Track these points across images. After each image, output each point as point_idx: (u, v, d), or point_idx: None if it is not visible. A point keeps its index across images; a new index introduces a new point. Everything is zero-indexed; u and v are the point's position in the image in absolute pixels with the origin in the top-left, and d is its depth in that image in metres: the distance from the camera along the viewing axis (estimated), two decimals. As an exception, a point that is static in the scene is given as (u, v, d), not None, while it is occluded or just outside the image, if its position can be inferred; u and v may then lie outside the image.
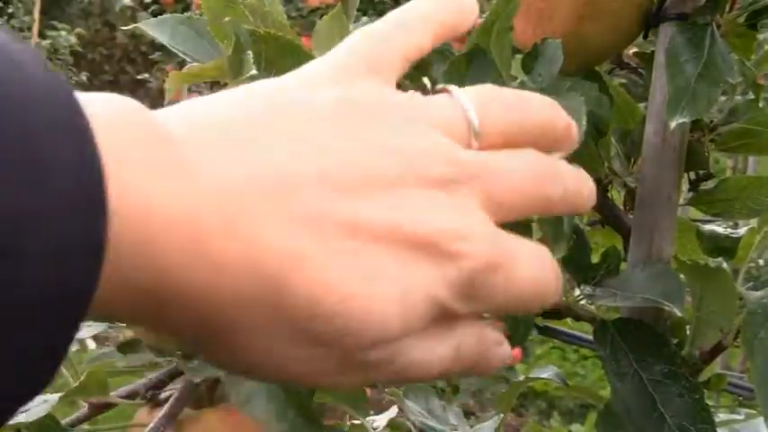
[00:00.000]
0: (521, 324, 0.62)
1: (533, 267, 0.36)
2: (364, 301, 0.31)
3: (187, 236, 0.29)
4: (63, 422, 0.63)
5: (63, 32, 5.62)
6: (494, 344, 0.37)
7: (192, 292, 0.29)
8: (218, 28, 0.57)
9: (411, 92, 0.37)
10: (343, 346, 0.31)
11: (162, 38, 0.63)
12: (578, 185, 0.40)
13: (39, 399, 0.63)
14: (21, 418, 0.60)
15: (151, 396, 0.63)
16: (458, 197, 0.34)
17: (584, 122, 0.56)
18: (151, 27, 0.63)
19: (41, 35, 5.63)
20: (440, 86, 0.38)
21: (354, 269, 0.31)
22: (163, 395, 0.61)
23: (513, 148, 0.37)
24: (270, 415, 0.49)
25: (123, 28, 0.68)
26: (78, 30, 5.79)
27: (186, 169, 0.29)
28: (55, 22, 5.89)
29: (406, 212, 0.32)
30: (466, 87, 0.37)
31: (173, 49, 0.62)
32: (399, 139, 0.34)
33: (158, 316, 0.30)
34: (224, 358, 0.33)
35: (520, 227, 0.67)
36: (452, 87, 0.37)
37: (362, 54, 0.37)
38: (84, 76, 5.96)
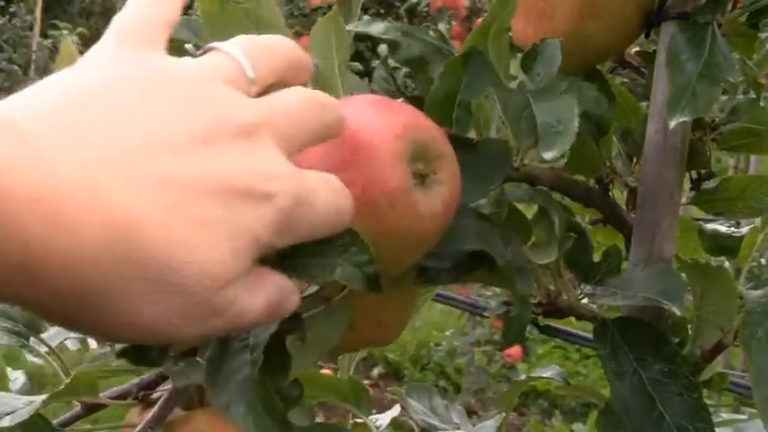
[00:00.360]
0: (514, 323, 0.62)
1: (330, 195, 0.43)
2: (206, 248, 0.36)
3: (45, 209, 0.33)
4: (54, 422, 0.63)
5: (65, 32, 5.62)
6: (290, 293, 0.43)
7: (55, 261, 0.33)
8: (214, 31, 0.57)
9: (186, 57, 0.41)
10: (197, 292, 0.36)
11: None
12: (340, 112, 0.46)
13: (25, 399, 0.63)
14: (6, 421, 0.60)
15: (143, 396, 0.63)
16: (260, 142, 0.39)
17: (576, 124, 0.56)
18: None
19: (43, 34, 5.63)
20: (207, 46, 0.43)
21: (192, 222, 0.36)
22: (154, 395, 0.62)
23: (282, 88, 0.43)
24: (248, 422, 0.49)
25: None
26: (80, 29, 5.79)
27: (37, 151, 0.33)
28: (57, 22, 5.90)
29: (222, 164, 0.37)
30: (229, 41, 0.43)
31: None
32: (200, 99, 0.38)
33: (29, 291, 0.34)
34: (91, 323, 0.36)
35: (517, 230, 0.68)
36: (221, 45, 0.42)
37: (134, 31, 0.41)
38: (85, 76, 5.96)
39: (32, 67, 5.57)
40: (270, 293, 0.41)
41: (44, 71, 5.51)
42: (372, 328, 0.66)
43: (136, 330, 0.37)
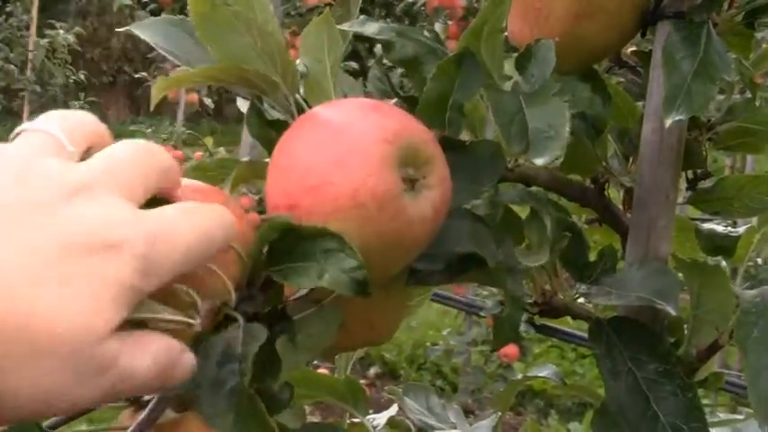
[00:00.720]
0: (505, 323, 0.62)
1: (190, 225, 0.43)
2: (70, 304, 0.38)
3: None
4: (44, 424, 0.63)
5: (61, 31, 5.61)
6: (181, 351, 0.44)
7: None
8: (206, 33, 0.57)
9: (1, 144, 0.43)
10: (72, 350, 0.38)
11: (154, 40, 0.62)
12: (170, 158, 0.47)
13: None
14: None
15: (134, 398, 0.62)
16: (96, 196, 0.40)
17: (568, 129, 0.57)
18: (143, 29, 0.62)
19: (40, 34, 5.62)
20: (18, 129, 0.44)
21: (48, 284, 0.37)
22: (146, 397, 0.61)
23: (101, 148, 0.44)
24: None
25: (117, 30, 0.67)
26: (77, 29, 5.78)
27: None
28: (53, 21, 5.89)
29: (64, 225, 0.39)
30: (41, 118, 0.45)
31: (164, 53, 0.62)
32: (28, 173, 0.40)
33: None
34: None
35: (512, 231, 0.68)
36: (33, 124, 0.44)
37: None
38: (82, 75, 5.96)
39: (29, 66, 5.56)
40: (157, 354, 0.42)
41: (40, 70, 5.51)
42: (364, 329, 0.66)
43: (15, 410, 0.38)
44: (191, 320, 0.47)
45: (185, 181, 0.58)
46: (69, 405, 0.39)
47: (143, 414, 0.58)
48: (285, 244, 0.53)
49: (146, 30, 0.62)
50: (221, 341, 0.50)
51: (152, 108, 0.62)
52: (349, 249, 0.51)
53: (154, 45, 0.61)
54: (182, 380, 0.44)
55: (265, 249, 0.54)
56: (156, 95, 0.58)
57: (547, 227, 0.67)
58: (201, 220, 0.44)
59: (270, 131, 0.61)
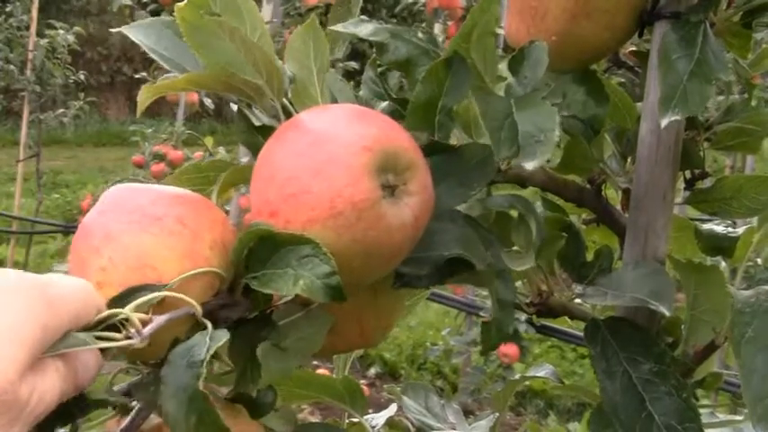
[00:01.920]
0: (492, 328, 0.62)
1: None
2: None
3: None
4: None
5: (61, 31, 5.60)
6: (77, 356, 0.49)
7: None
8: (194, 40, 0.57)
9: None
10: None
11: (147, 43, 0.61)
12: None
13: None
14: None
15: (121, 405, 0.62)
16: None
17: (557, 133, 0.57)
18: (136, 31, 0.62)
19: (39, 34, 5.62)
20: None
21: None
22: (133, 403, 0.61)
23: None
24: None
25: (111, 30, 0.67)
26: (76, 28, 5.77)
27: None
28: (53, 21, 5.88)
29: None
30: None
31: (156, 57, 0.61)
32: None
33: None
34: None
35: (504, 233, 0.68)
36: None
37: None
38: (81, 75, 5.95)
39: (29, 66, 5.56)
40: (59, 370, 0.48)
41: (40, 70, 5.50)
42: (354, 332, 0.66)
43: None
44: (129, 342, 0.50)
45: (173, 189, 0.58)
46: None
47: (127, 420, 0.58)
48: (263, 251, 0.54)
49: (139, 32, 0.62)
50: (186, 348, 0.51)
51: (138, 115, 0.62)
52: (323, 255, 0.51)
53: (146, 49, 0.61)
54: (92, 378, 0.50)
55: (244, 256, 0.55)
56: (142, 102, 0.58)
57: (533, 232, 0.67)
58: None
59: (257, 137, 0.61)
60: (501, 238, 0.67)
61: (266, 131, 0.60)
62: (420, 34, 0.71)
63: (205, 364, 0.49)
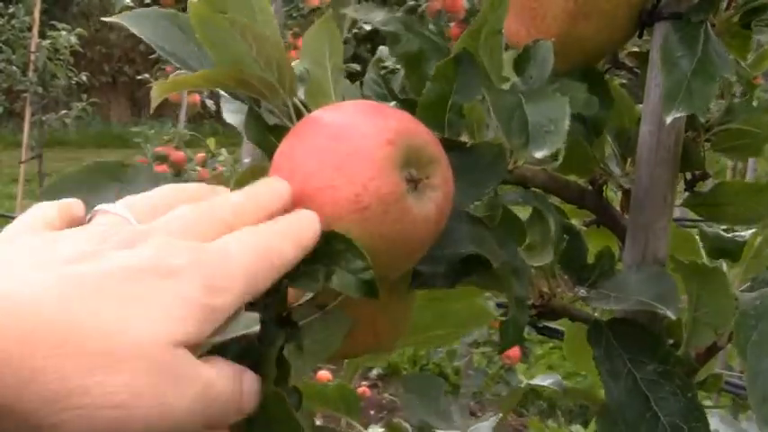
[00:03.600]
0: (510, 326, 0.62)
1: (246, 241, 0.45)
2: (140, 318, 0.41)
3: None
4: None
5: (63, 33, 5.61)
6: (239, 373, 0.46)
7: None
8: (206, 36, 0.56)
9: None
10: (147, 353, 0.40)
11: (143, 34, 0.60)
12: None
13: None
14: None
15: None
16: (152, 239, 0.43)
17: (567, 123, 0.56)
18: (131, 21, 0.60)
19: (42, 35, 5.62)
20: (95, 209, 0.48)
21: (121, 303, 0.40)
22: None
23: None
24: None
25: (102, 18, 0.66)
26: (79, 30, 5.78)
27: None
28: (55, 23, 5.89)
29: (127, 260, 0.42)
30: (119, 202, 0.49)
31: (154, 47, 0.60)
32: (100, 239, 0.44)
33: None
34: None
35: (511, 232, 0.67)
36: (107, 206, 0.48)
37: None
38: (83, 76, 5.95)
39: (31, 67, 5.56)
40: (236, 376, 0.45)
41: (42, 72, 5.51)
42: (369, 335, 0.66)
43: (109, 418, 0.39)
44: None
45: (191, 186, 0.58)
46: (159, 414, 0.40)
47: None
48: None
49: (135, 22, 0.61)
50: (236, 345, 0.50)
51: (152, 111, 0.62)
52: (356, 250, 0.50)
53: (144, 38, 0.60)
54: (249, 409, 0.46)
55: None
56: (155, 98, 0.57)
57: (551, 227, 0.67)
58: (259, 240, 0.46)
59: (269, 136, 0.61)
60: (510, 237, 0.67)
61: (278, 131, 0.59)
62: (431, 26, 0.71)
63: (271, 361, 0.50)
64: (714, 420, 0.86)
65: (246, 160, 3.25)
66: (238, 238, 0.46)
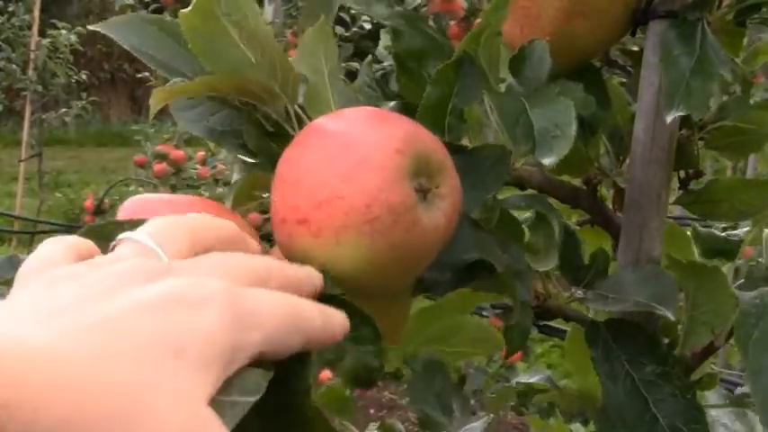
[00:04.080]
0: (516, 330, 0.61)
1: (280, 296, 0.42)
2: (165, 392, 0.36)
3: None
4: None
5: (63, 31, 5.60)
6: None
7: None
8: (198, 46, 0.55)
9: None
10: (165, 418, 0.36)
11: (128, 42, 0.59)
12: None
13: None
14: None
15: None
16: (176, 275, 0.40)
17: (575, 128, 0.56)
18: (115, 30, 0.59)
19: (42, 34, 5.62)
20: (119, 238, 0.45)
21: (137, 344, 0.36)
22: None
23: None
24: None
25: (90, 27, 0.63)
26: (79, 28, 5.77)
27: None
28: (55, 21, 5.88)
29: (146, 294, 0.38)
30: (142, 228, 0.45)
31: (140, 57, 0.59)
32: (123, 273, 0.40)
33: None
34: None
35: (510, 235, 0.67)
36: (132, 234, 0.44)
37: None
38: (83, 75, 5.95)
39: (31, 66, 5.56)
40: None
41: (42, 70, 5.50)
42: None
43: None
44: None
45: (186, 199, 0.57)
46: None
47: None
48: None
49: (118, 30, 0.59)
50: None
51: (150, 118, 0.61)
52: (374, 335, 0.51)
53: (129, 48, 0.58)
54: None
55: None
56: (154, 106, 0.57)
57: (555, 231, 0.67)
58: (292, 300, 0.43)
59: (269, 142, 0.60)
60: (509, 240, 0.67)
61: (279, 137, 0.59)
62: (432, 23, 0.70)
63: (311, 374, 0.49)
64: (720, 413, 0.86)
65: (236, 176, 3.27)
66: (272, 293, 0.42)
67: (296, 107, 0.59)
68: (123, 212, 0.56)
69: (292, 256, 0.54)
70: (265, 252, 0.55)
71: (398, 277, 0.56)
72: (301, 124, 0.59)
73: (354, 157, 0.52)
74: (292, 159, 0.55)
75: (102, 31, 0.59)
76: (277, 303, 0.42)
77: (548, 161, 0.55)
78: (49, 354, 0.34)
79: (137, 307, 0.37)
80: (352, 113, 0.57)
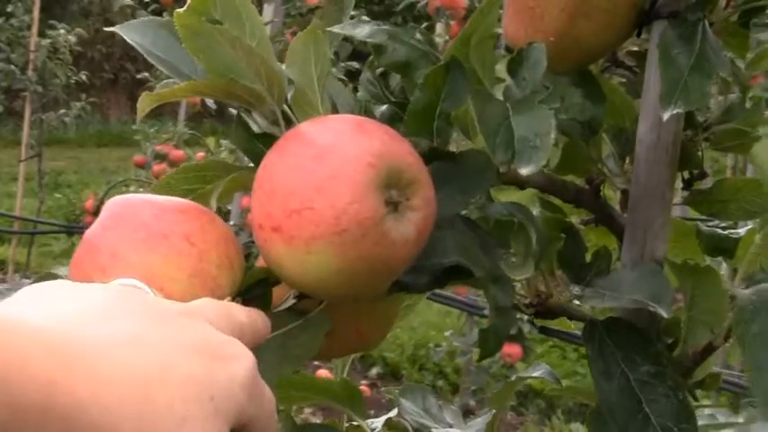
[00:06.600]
0: (490, 335, 0.62)
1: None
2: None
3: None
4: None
5: (63, 32, 5.60)
6: None
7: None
8: (193, 45, 0.56)
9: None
10: None
11: (142, 43, 0.60)
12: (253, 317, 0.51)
13: None
14: None
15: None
16: (200, 320, 0.44)
17: (553, 137, 0.56)
18: (131, 31, 0.60)
19: (41, 34, 5.62)
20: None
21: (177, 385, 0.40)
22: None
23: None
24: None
25: (105, 29, 0.66)
26: (78, 29, 5.78)
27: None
28: (55, 22, 5.88)
29: (186, 336, 0.42)
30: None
31: (151, 59, 0.60)
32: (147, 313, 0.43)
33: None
34: None
35: (503, 237, 0.67)
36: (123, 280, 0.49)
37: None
38: (83, 76, 5.96)
39: (30, 66, 5.56)
40: None
41: (42, 71, 5.50)
42: (352, 337, 0.66)
43: None
44: None
45: (174, 201, 0.58)
46: None
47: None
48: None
49: (133, 32, 0.61)
50: None
51: (138, 121, 0.62)
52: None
53: (141, 50, 0.60)
54: None
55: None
56: (141, 110, 0.58)
57: (532, 240, 0.67)
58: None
59: (256, 144, 0.61)
60: (501, 242, 0.67)
61: (266, 139, 0.60)
62: (418, 35, 0.71)
63: None
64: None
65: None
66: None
67: (285, 108, 0.59)
68: (105, 212, 0.57)
69: (268, 261, 0.56)
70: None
71: (368, 286, 0.57)
72: (290, 126, 0.59)
73: (327, 169, 0.53)
74: (270, 166, 0.56)
75: (120, 33, 0.60)
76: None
77: (525, 171, 0.56)
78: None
79: (177, 350, 0.41)
80: (332, 122, 0.58)
